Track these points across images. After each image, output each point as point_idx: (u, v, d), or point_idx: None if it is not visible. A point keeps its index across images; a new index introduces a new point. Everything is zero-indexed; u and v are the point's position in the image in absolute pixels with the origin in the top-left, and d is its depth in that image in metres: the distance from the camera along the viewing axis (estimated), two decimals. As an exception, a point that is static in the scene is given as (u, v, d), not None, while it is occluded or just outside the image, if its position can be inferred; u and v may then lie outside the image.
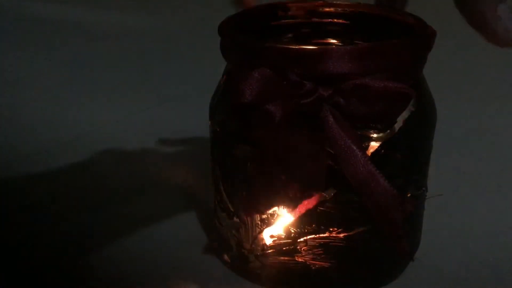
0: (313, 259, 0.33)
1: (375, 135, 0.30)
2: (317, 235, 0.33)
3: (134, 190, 0.44)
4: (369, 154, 0.31)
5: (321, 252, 0.33)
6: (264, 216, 0.33)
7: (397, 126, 0.31)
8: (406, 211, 0.30)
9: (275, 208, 0.33)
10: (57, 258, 0.37)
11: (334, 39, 0.38)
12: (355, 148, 0.28)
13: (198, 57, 0.68)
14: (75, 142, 0.51)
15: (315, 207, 0.32)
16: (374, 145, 0.31)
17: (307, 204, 0.32)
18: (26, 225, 0.40)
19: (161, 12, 0.94)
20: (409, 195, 0.33)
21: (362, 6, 0.37)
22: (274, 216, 0.33)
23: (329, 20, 0.38)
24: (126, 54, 0.75)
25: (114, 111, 0.58)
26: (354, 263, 0.34)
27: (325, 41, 0.37)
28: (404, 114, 0.30)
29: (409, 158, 0.32)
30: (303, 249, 0.33)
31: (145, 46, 0.77)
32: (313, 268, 0.33)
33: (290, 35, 0.37)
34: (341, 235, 0.32)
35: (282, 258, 0.34)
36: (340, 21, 0.37)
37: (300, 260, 0.33)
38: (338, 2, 0.37)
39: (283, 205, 0.32)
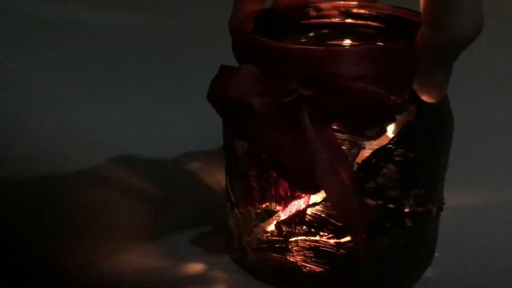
0: (304, 260, 0.33)
1: (365, 143, 0.30)
2: (308, 237, 0.32)
3: (134, 190, 0.44)
4: (359, 162, 0.30)
5: (312, 255, 0.33)
6: (258, 211, 0.33)
7: (391, 134, 0.29)
8: (365, 214, 0.29)
9: (268, 204, 0.33)
10: (57, 259, 0.37)
11: (367, 41, 0.37)
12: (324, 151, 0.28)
13: (198, 57, 0.66)
14: (75, 142, 0.51)
15: (305, 208, 0.32)
16: (365, 152, 0.30)
17: (298, 204, 0.32)
18: (26, 226, 0.40)
19: (161, 12, 0.91)
20: (407, 210, 0.31)
21: (397, 10, 0.35)
22: (267, 212, 0.33)
23: (363, 22, 0.37)
24: (126, 54, 0.74)
25: (114, 111, 0.58)
26: (346, 272, 0.33)
27: (353, 43, 0.37)
28: (400, 123, 0.29)
29: (406, 170, 0.30)
30: (294, 249, 0.33)
31: (145, 46, 0.75)
32: (304, 270, 0.33)
33: (311, 34, 0.36)
34: (332, 241, 0.32)
35: (274, 255, 0.34)
36: (375, 24, 0.36)
37: (291, 259, 0.33)
38: (373, 5, 0.36)
39: (275, 202, 0.32)
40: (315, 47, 0.28)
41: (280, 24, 0.36)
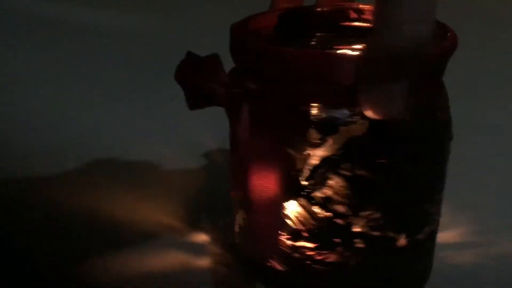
0: (268, 255, 0.34)
1: (313, 148, 0.29)
2: None
3: (135, 189, 0.44)
4: (310, 168, 0.30)
5: (273, 252, 0.33)
6: (238, 198, 0.35)
7: (339, 142, 0.28)
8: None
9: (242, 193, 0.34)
10: (56, 260, 0.37)
11: None
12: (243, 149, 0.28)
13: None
14: (75, 142, 0.51)
15: (267, 203, 0.32)
16: (314, 158, 0.29)
17: (263, 198, 0.33)
18: (25, 226, 0.40)
19: (161, 12, 0.90)
20: (357, 230, 0.30)
21: None
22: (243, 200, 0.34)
23: None
24: (126, 54, 0.73)
25: (114, 111, 0.58)
26: (300, 276, 0.33)
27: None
28: (345, 135, 0.28)
29: (355, 187, 0.29)
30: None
31: (145, 46, 0.70)
32: (268, 264, 0.34)
33: (333, 34, 0.36)
34: (289, 242, 0.32)
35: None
36: None
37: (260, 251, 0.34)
38: None
39: (247, 192, 0.34)
40: (274, 47, 0.28)
41: (315, 23, 0.36)
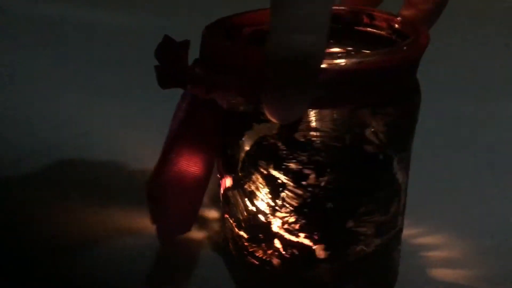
0: (228, 237, 0.36)
1: (241, 140, 0.30)
2: (229, 217, 0.35)
3: (134, 189, 0.44)
4: (241, 160, 0.31)
5: (230, 235, 0.35)
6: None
7: (253, 139, 0.29)
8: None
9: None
10: (56, 260, 0.38)
11: None
12: (176, 129, 0.30)
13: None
14: (75, 142, 0.52)
15: (226, 189, 0.34)
16: (243, 151, 0.30)
17: (225, 182, 0.35)
18: (25, 226, 0.41)
19: (161, 12, 0.87)
20: (275, 230, 0.30)
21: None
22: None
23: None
24: (126, 54, 0.72)
25: (113, 111, 0.57)
26: (241, 264, 0.34)
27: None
28: (261, 129, 0.29)
29: (270, 186, 0.29)
30: (225, 224, 0.36)
31: (145, 46, 0.65)
32: (229, 245, 0.36)
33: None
34: (236, 229, 0.34)
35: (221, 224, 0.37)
36: None
37: (225, 233, 0.36)
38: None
39: (219, 174, 0.36)
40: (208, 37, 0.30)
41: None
